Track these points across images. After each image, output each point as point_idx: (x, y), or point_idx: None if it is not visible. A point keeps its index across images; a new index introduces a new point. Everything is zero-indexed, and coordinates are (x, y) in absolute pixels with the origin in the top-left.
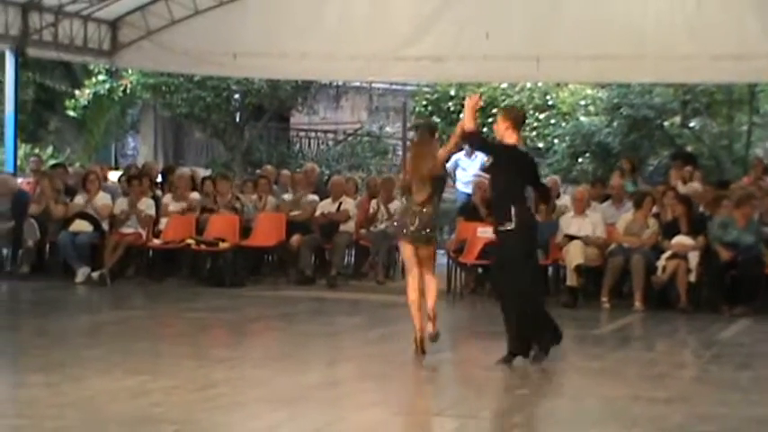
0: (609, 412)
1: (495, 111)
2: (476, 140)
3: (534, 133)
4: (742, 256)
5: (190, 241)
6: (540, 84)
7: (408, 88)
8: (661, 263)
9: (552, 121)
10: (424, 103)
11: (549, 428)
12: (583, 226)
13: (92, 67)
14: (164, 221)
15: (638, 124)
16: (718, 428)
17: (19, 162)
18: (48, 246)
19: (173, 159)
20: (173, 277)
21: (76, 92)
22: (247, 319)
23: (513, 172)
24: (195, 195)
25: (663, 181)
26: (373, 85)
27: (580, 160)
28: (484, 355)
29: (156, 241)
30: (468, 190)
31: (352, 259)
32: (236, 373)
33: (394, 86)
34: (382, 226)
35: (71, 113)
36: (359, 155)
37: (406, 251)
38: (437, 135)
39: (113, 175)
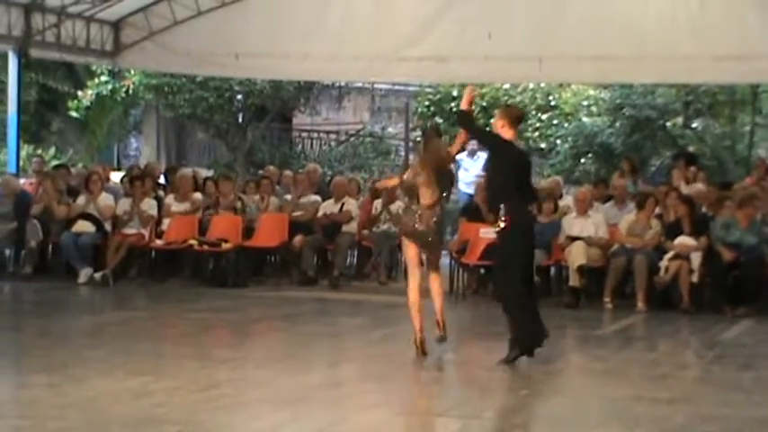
0: (611, 413)
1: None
2: (469, 122)
3: (537, 134)
4: (745, 256)
5: (192, 242)
6: (542, 84)
7: (411, 89)
8: (664, 263)
9: (555, 122)
10: (427, 103)
11: (551, 429)
12: (585, 226)
13: (94, 67)
14: (166, 222)
15: (640, 125)
16: (721, 429)
17: (21, 163)
18: (50, 246)
19: (175, 160)
20: (175, 278)
21: (79, 93)
22: (250, 319)
23: (508, 169)
24: (198, 196)
25: (665, 181)
26: (376, 85)
27: (582, 161)
28: (486, 355)
29: (159, 242)
30: (471, 190)
31: (355, 260)
32: (238, 373)
33: (396, 87)
34: (384, 227)
35: (74, 114)
36: (361, 155)
37: (410, 251)
38: (442, 137)
39: (115, 176)
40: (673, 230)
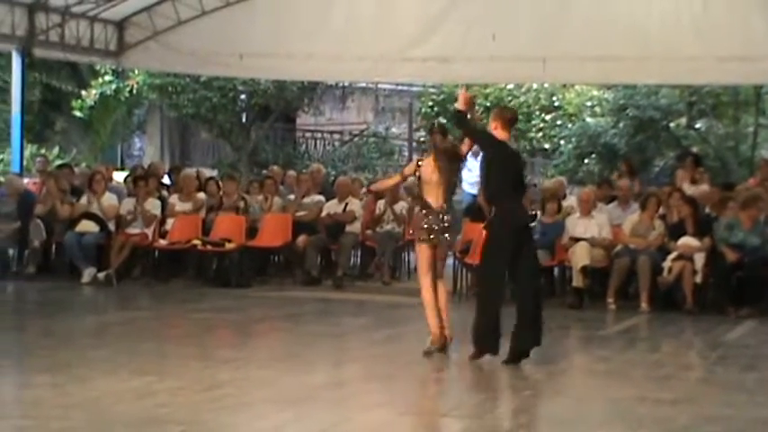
0: (615, 413)
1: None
2: (465, 122)
3: (540, 134)
4: (748, 257)
5: (196, 242)
6: (546, 85)
7: (414, 89)
8: (667, 264)
9: (558, 123)
10: (430, 103)
11: (554, 429)
12: (589, 227)
13: (98, 67)
14: (170, 222)
15: (644, 125)
16: (724, 430)
17: (25, 162)
18: (54, 246)
19: (179, 160)
20: (179, 278)
21: (83, 92)
22: (253, 319)
23: (503, 168)
24: (201, 195)
25: (669, 182)
26: (379, 85)
27: (586, 161)
28: (489, 355)
29: (162, 242)
30: (474, 191)
31: (358, 260)
32: (242, 373)
33: (400, 87)
34: (388, 227)
35: (77, 114)
36: (365, 156)
37: (427, 253)
38: (447, 136)
39: (118, 176)
40: (676, 231)
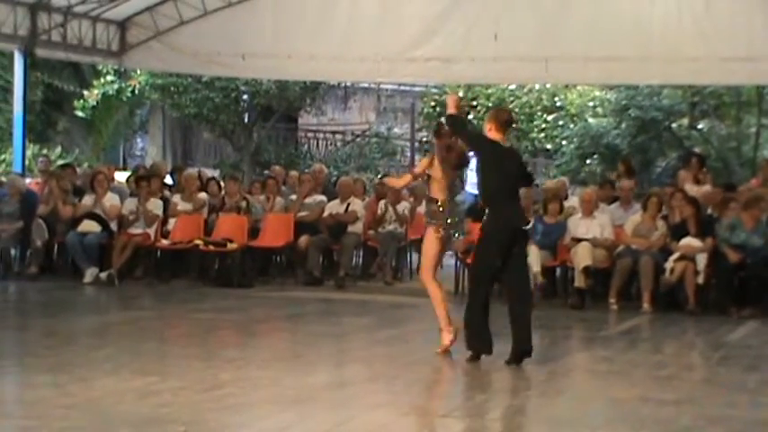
0: (617, 414)
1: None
2: (458, 125)
3: (543, 135)
4: (750, 258)
5: (198, 242)
6: (548, 85)
7: (417, 89)
8: (669, 264)
9: (560, 123)
10: (433, 104)
11: (556, 430)
12: (591, 227)
13: (100, 67)
14: (172, 222)
15: (646, 126)
16: (727, 431)
17: (27, 162)
18: (56, 246)
19: (181, 160)
20: (181, 278)
21: (85, 92)
22: (255, 319)
23: (496, 168)
24: (203, 195)
25: (670, 183)
26: (381, 86)
27: (588, 162)
28: (492, 356)
29: (165, 242)
30: (476, 191)
31: (360, 260)
32: (244, 373)
33: (402, 87)
34: (390, 227)
35: (80, 114)
36: (367, 156)
37: (437, 247)
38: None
39: (120, 176)
40: (678, 232)
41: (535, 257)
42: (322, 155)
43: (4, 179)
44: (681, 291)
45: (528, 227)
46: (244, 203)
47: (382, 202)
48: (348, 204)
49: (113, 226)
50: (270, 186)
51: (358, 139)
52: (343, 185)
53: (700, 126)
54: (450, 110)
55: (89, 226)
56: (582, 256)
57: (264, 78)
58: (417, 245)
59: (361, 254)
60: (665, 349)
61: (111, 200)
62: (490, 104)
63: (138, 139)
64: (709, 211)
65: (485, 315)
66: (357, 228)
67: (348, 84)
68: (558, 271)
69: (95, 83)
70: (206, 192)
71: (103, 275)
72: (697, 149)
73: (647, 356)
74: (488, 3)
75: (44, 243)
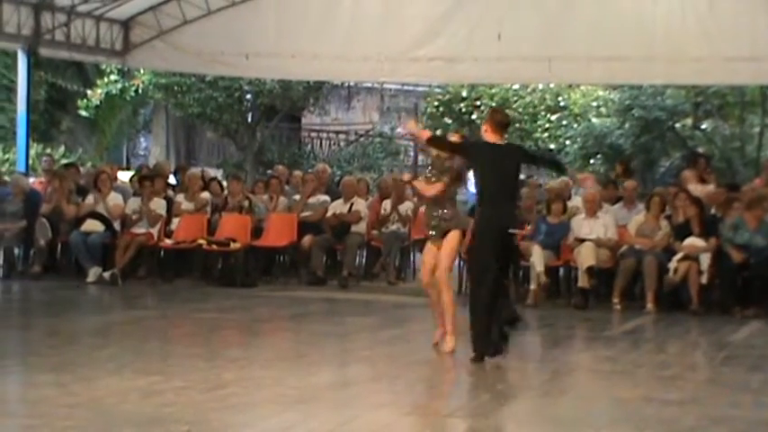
0: (620, 414)
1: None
2: (439, 141)
3: (546, 135)
4: (754, 258)
5: (201, 241)
6: (551, 85)
7: (420, 89)
8: (673, 264)
9: (564, 123)
10: (436, 104)
11: (559, 430)
12: (594, 228)
13: (104, 66)
14: (175, 221)
15: (649, 126)
16: (730, 431)
17: (31, 162)
18: (59, 245)
19: (184, 159)
20: (184, 277)
21: (88, 92)
22: (259, 319)
23: (487, 169)
24: (206, 195)
25: (674, 182)
26: (385, 85)
27: (592, 162)
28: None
29: (168, 241)
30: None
31: (364, 260)
32: (247, 373)
33: (406, 87)
34: (394, 227)
35: (83, 113)
36: (370, 155)
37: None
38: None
39: (123, 175)
40: (682, 231)
41: (538, 257)
42: (325, 154)
43: (7, 178)
44: (684, 291)
45: (516, 230)
46: (247, 203)
47: (386, 202)
48: (351, 204)
49: (117, 225)
50: (273, 186)
51: (361, 139)
52: (347, 185)
53: (703, 126)
54: (423, 136)
55: (92, 225)
56: (585, 256)
57: (268, 78)
58: (421, 245)
59: (365, 254)
60: (669, 349)
61: (114, 199)
62: (493, 104)
63: (142, 139)
64: (713, 210)
65: (489, 315)
66: (360, 228)
67: (351, 83)
68: (562, 271)
69: (99, 82)
70: (209, 191)
71: (107, 275)
72: (700, 149)
73: (651, 356)
74: (492, 3)
75: (47, 242)
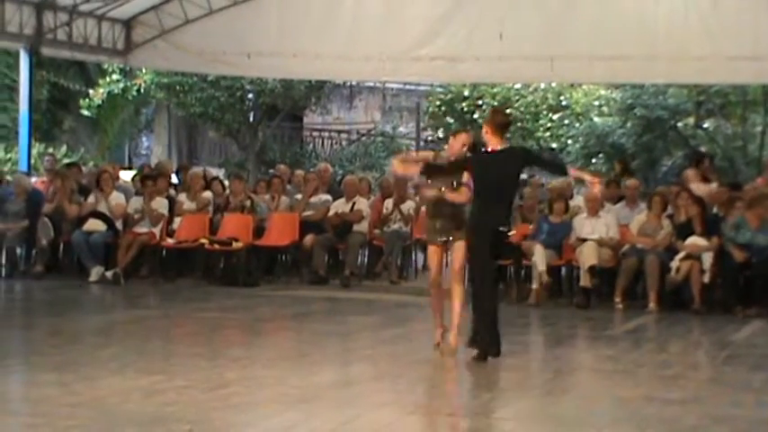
0: (622, 413)
1: (508, 111)
2: (434, 170)
3: (548, 134)
4: (756, 257)
5: (203, 241)
6: (553, 84)
7: (422, 88)
8: (675, 264)
9: (566, 122)
10: (438, 103)
11: (561, 429)
12: (596, 227)
13: (106, 66)
14: (177, 221)
15: (651, 125)
16: (732, 430)
17: (33, 161)
18: (62, 245)
19: (186, 159)
20: (186, 277)
21: (90, 91)
22: (261, 318)
23: (479, 178)
24: (207, 194)
25: (676, 182)
26: (387, 85)
27: (594, 161)
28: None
29: (170, 241)
30: None
31: (366, 259)
32: (249, 372)
33: (407, 87)
34: (396, 226)
35: (85, 113)
36: (372, 155)
37: None
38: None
39: (125, 175)
40: (684, 231)
41: (540, 256)
42: (327, 154)
43: (9, 178)
44: (686, 290)
45: (506, 230)
46: (248, 203)
47: (387, 201)
48: (353, 203)
49: (119, 225)
50: (275, 185)
51: (363, 138)
52: (349, 184)
53: (705, 125)
54: (412, 171)
55: (95, 225)
56: (587, 256)
57: (270, 77)
58: (422, 244)
59: (367, 253)
60: (671, 348)
61: (116, 199)
62: (495, 103)
63: (144, 138)
64: (715, 210)
65: (492, 315)
66: (362, 227)
67: (353, 83)
68: (564, 270)
69: (101, 82)
70: (210, 191)
71: (109, 274)
72: (703, 148)
73: (653, 356)
74: (493, 2)
75: (50, 242)
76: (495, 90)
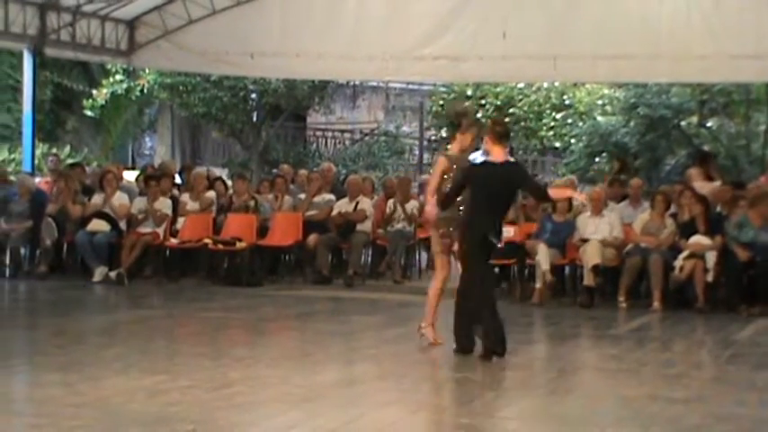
0: (626, 412)
1: (511, 110)
2: (449, 198)
3: (551, 133)
4: (759, 256)
5: (207, 241)
6: (557, 83)
7: (425, 88)
8: (678, 263)
9: (569, 121)
10: (441, 102)
11: (565, 428)
12: (600, 226)
13: (109, 66)
14: (181, 221)
15: (654, 124)
16: (736, 429)
17: (36, 161)
18: (65, 245)
19: (190, 159)
20: (190, 277)
21: (94, 91)
22: (264, 318)
23: (478, 189)
24: (211, 194)
25: (680, 180)
26: (390, 84)
27: (597, 160)
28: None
29: (174, 241)
30: None
31: (369, 259)
32: (253, 372)
33: (411, 86)
34: (399, 225)
35: (88, 113)
36: (375, 154)
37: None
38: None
39: (129, 175)
40: (687, 229)
41: (544, 256)
42: (330, 153)
43: (13, 178)
44: (690, 289)
45: (498, 243)
46: (252, 202)
47: (391, 201)
48: (357, 203)
49: (122, 225)
50: (278, 185)
51: (366, 138)
52: (352, 184)
53: (709, 124)
54: (433, 213)
55: (98, 225)
56: (591, 255)
57: (273, 77)
58: (426, 243)
59: (370, 252)
60: (674, 347)
61: (120, 199)
62: (498, 103)
63: (147, 138)
64: (719, 208)
65: (496, 315)
66: (366, 226)
67: (356, 82)
68: (567, 269)
69: (104, 82)
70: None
71: (113, 274)
72: (706, 147)
73: (656, 354)
74: (497, 1)
75: (53, 242)
76: (498, 89)
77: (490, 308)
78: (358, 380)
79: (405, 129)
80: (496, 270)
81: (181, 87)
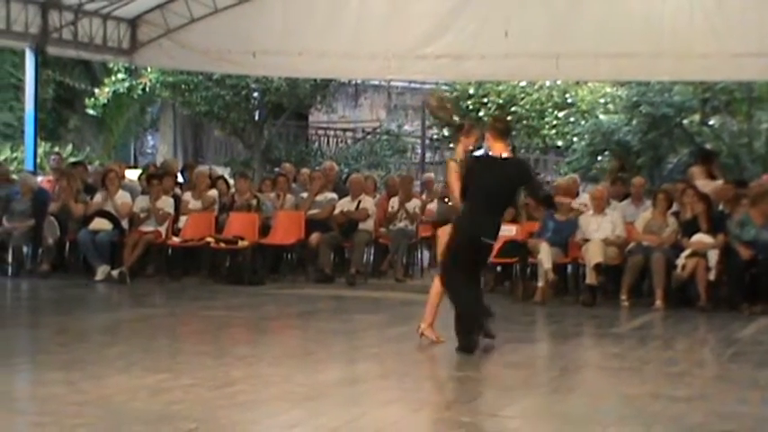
0: (628, 410)
1: (513, 109)
2: (451, 213)
3: (553, 131)
4: (761, 254)
5: (209, 239)
6: (559, 82)
7: (427, 86)
8: (681, 261)
9: (571, 120)
10: None
11: (567, 426)
12: (602, 224)
13: (111, 65)
14: (183, 219)
15: (657, 122)
16: (738, 427)
17: (39, 160)
18: (68, 244)
19: (192, 157)
20: (192, 275)
21: (96, 90)
22: (266, 317)
23: (477, 183)
24: (213, 193)
25: (682, 179)
26: (392, 83)
27: (599, 158)
28: (503, 353)
29: (176, 239)
30: None
31: (372, 257)
32: (255, 370)
33: (413, 85)
34: (401, 224)
35: (91, 112)
36: (378, 153)
37: None
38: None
39: (130, 174)
40: (689, 228)
41: (546, 254)
42: (333, 152)
43: (15, 177)
44: (692, 287)
45: (489, 241)
46: (254, 201)
47: (393, 200)
48: (359, 201)
49: (125, 224)
50: (280, 184)
51: (369, 137)
52: (354, 183)
53: (711, 122)
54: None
55: (100, 224)
56: (593, 253)
57: (275, 76)
58: (428, 242)
59: (372, 251)
60: (677, 346)
61: (122, 198)
62: (501, 101)
63: (149, 137)
64: (721, 207)
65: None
66: (368, 225)
67: (358, 81)
68: (570, 268)
69: (106, 81)
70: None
71: (115, 273)
72: (708, 146)
73: (659, 353)
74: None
75: (56, 241)
76: (500, 88)
77: (479, 301)
78: (360, 378)
79: (407, 127)
80: (498, 269)
81: (183, 86)
